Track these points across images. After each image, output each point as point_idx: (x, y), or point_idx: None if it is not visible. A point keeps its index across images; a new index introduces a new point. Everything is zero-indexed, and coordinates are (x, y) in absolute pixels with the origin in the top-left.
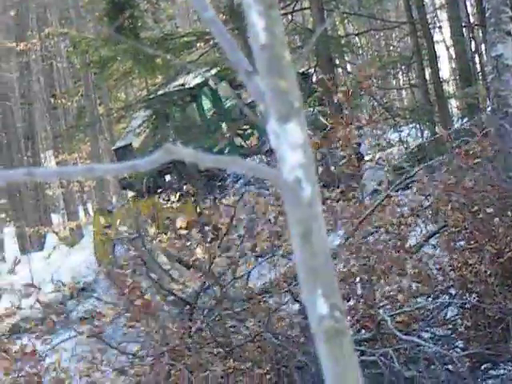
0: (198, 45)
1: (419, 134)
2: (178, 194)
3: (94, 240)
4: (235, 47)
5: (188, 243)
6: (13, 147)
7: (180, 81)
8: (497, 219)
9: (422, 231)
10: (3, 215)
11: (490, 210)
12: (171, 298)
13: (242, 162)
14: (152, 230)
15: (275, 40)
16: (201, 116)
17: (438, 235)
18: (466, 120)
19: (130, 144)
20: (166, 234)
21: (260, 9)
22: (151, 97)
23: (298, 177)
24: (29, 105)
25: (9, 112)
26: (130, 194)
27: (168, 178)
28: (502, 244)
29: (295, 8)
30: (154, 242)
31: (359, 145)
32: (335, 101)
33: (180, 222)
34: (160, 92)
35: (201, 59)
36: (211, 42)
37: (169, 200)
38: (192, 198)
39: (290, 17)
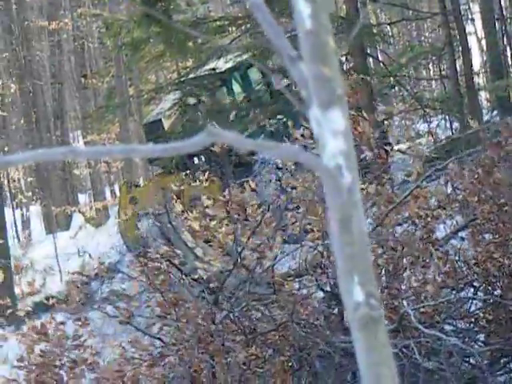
0: (231, 29)
1: (448, 126)
2: (205, 175)
3: (119, 212)
4: (280, 33)
5: (213, 222)
6: (42, 126)
7: (211, 65)
8: None
9: (452, 223)
10: (30, 194)
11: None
12: (195, 282)
13: (283, 148)
14: (178, 207)
15: (320, 27)
16: (231, 101)
17: (466, 228)
18: (495, 113)
19: (160, 120)
20: (191, 211)
21: None
22: (182, 80)
23: (339, 163)
24: (59, 84)
25: (39, 91)
26: (157, 170)
27: (196, 160)
28: None
29: None
30: (180, 218)
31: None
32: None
33: (207, 201)
34: (191, 76)
35: (233, 44)
36: (243, 27)
37: (196, 180)
38: (219, 180)
39: None
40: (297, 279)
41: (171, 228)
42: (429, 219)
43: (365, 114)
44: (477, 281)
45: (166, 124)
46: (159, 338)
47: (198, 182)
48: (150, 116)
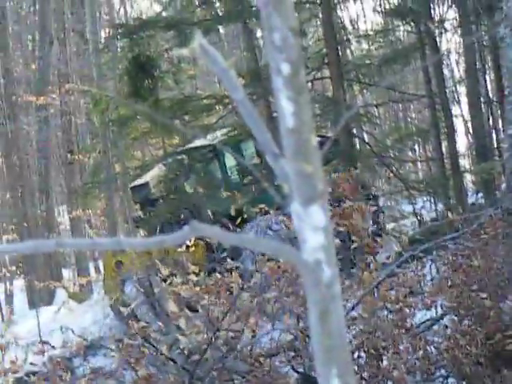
0: (217, 108)
1: (433, 207)
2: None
3: (105, 276)
4: (263, 129)
5: (198, 289)
6: (27, 200)
7: (205, 137)
8: (489, 302)
9: (431, 309)
10: (14, 268)
11: (484, 295)
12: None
13: (264, 242)
14: (164, 272)
15: (303, 125)
16: (223, 173)
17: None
18: (480, 195)
19: (147, 183)
20: (176, 276)
21: (290, 94)
22: (175, 151)
23: (319, 259)
24: (45, 159)
25: (25, 165)
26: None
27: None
28: (492, 327)
29: (316, 76)
30: (164, 284)
31: (377, 216)
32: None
33: (191, 267)
34: (183, 148)
35: (219, 122)
36: (230, 106)
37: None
38: (204, 244)
39: (310, 85)
40: (273, 358)
41: (155, 295)
42: (401, 304)
43: (357, 205)
44: (446, 367)
45: (154, 188)
46: None
47: (183, 247)
48: (138, 180)
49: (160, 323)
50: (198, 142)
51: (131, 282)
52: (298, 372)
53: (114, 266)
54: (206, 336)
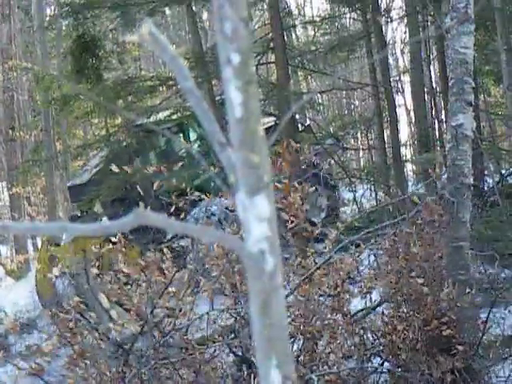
0: (161, 89)
1: (373, 196)
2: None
3: (37, 271)
4: (211, 119)
5: (129, 287)
6: None
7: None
8: (426, 289)
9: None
10: None
11: (420, 281)
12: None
13: (209, 231)
14: (95, 270)
15: (250, 115)
16: (186, 147)
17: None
18: (420, 185)
19: (85, 183)
20: (109, 273)
21: (238, 84)
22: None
23: (262, 249)
24: None
25: None
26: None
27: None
28: (429, 314)
29: (261, 61)
30: (97, 280)
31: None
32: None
33: (122, 265)
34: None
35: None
36: (174, 88)
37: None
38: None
39: (254, 69)
40: (209, 343)
41: (88, 289)
42: (339, 289)
43: (296, 184)
44: (383, 352)
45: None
46: None
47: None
48: (75, 177)
49: (92, 314)
50: (161, 116)
51: (63, 277)
52: (235, 354)
53: (48, 260)
54: (138, 324)
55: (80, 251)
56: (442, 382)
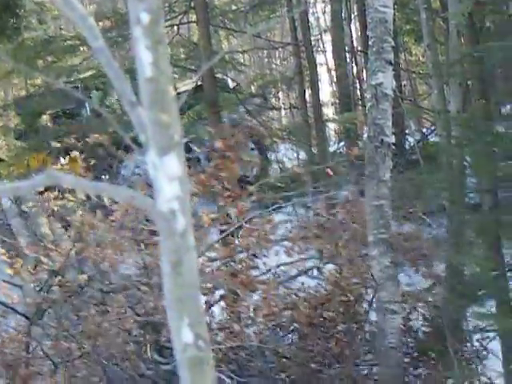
0: (82, 49)
1: (295, 156)
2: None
3: None
4: (122, 77)
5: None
6: None
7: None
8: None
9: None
10: None
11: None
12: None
13: (120, 190)
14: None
15: (161, 74)
16: (96, 106)
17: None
18: (342, 144)
19: None
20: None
21: (148, 43)
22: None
23: (173, 208)
24: None
25: None
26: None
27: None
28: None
29: (182, 21)
30: (38, 197)
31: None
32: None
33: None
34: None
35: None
36: None
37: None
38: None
39: (176, 29)
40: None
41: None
42: (251, 252)
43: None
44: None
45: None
46: None
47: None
48: None
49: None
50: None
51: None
52: (139, 315)
53: None
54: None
55: (23, 166)
56: None
